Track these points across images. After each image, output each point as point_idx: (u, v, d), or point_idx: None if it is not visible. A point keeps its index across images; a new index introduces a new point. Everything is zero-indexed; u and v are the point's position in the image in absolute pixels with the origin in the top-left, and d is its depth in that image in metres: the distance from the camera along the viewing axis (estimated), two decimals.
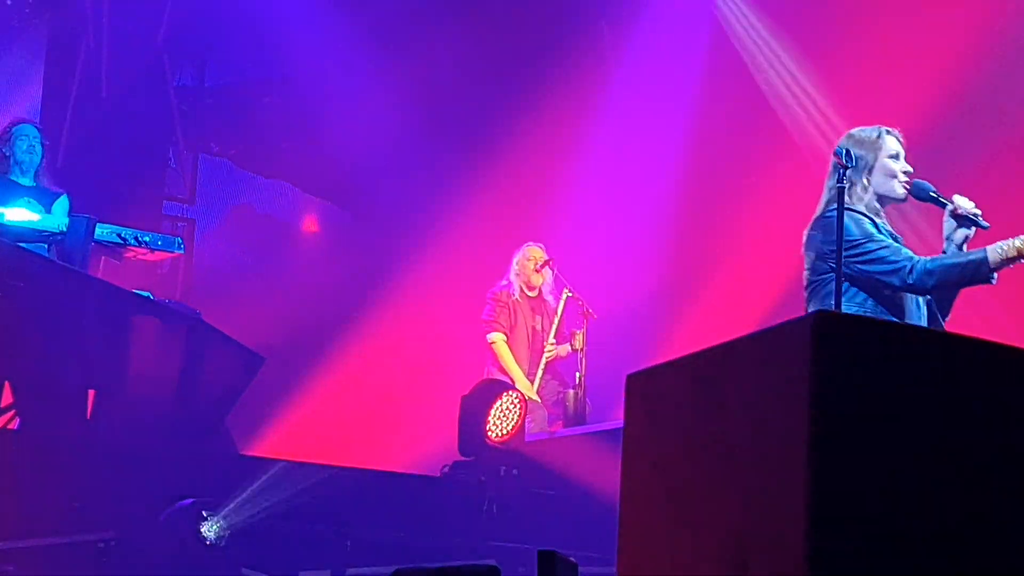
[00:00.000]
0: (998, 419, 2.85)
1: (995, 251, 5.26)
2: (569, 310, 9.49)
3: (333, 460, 9.28)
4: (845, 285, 5.42)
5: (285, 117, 11.14)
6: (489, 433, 8.76)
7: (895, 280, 5.36)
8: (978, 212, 5.54)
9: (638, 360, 5.02)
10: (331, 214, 11.79)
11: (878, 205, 5.62)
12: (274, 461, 8.97)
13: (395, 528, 8.26)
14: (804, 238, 5.61)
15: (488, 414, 8.79)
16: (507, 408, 8.82)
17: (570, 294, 9.44)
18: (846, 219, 5.36)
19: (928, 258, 5.42)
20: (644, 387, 3.27)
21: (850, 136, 5.74)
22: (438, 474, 9.28)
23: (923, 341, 2.82)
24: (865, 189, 5.60)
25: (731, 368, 2.97)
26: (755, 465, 2.84)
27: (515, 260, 9.57)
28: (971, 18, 9.39)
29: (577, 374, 9.28)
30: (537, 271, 9.50)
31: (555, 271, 9.57)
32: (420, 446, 10.07)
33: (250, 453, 9.24)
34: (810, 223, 5.60)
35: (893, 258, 5.40)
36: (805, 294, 5.56)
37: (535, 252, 9.54)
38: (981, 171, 9.21)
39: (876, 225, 5.53)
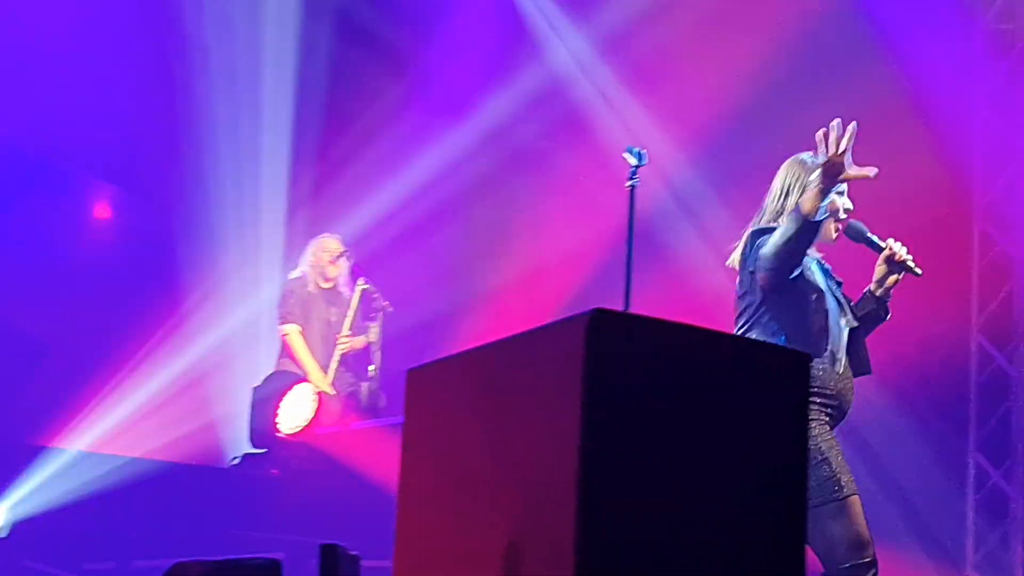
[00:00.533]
0: (770, 416, 2.93)
1: (804, 203, 5.23)
2: (364, 303, 9.45)
3: (122, 450, 9.14)
4: (763, 310, 5.46)
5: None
6: (280, 425, 8.72)
7: (759, 275, 5.35)
8: (911, 257, 5.60)
9: (435, 354, 5.05)
10: (121, 199, 11.56)
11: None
12: (60, 450, 8.81)
13: (182, 520, 8.18)
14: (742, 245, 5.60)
15: (279, 406, 8.74)
16: (299, 400, 8.78)
17: (365, 286, 9.40)
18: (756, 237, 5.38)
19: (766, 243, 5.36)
20: (424, 381, 3.28)
21: (793, 168, 5.69)
22: (227, 466, 9.20)
23: (696, 340, 2.87)
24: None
25: (509, 364, 3.00)
26: (530, 464, 2.87)
27: (309, 251, 9.51)
28: (773, 17, 9.60)
29: (371, 367, 9.27)
30: (332, 263, 9.45)
31: (351, 263, 9.53)
32: (211, 437, 9.97)
33: (36, 442, 9.06)
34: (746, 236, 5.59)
35: (755, 259, 5.40)
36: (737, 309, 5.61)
37: (330, 243, 9.48)
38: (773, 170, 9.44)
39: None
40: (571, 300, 9.68)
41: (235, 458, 9.17)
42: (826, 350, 5.48)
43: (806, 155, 5.66)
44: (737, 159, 9.59)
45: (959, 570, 9.38)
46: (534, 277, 10.41)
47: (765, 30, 9.64)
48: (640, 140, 9.30)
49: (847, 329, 5.61)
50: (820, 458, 5.45)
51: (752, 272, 5.45)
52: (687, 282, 9.38)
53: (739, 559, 2.81)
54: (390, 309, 9.40)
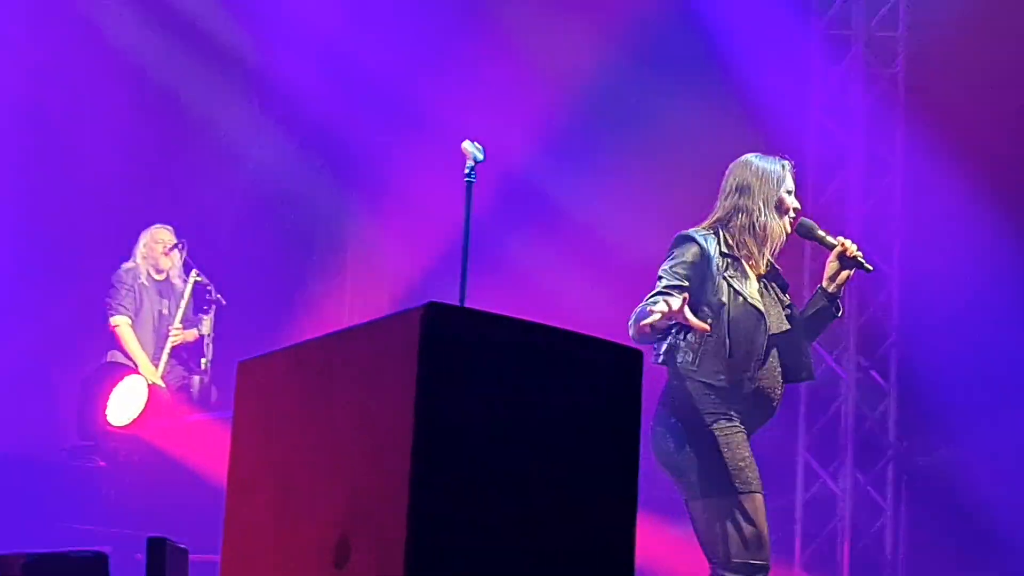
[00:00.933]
0: (601, 410, 2.95)
1: (652, 305, 5.34)
2: (197, 295, 9.33)
3: None
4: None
5: None
6: (109, 417, 8.58)
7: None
8: (861, 254, 5.67)
9: (269, 347, 4.99)
10: None
11: (776, 241, 5.69)
12: None
13: (6, 512, 8.01)
14: None
15: (108, 398, 8.61)
16: (129, 392, 8.65)
17: (199, 278, 9.29)
18: (685, 247, 5.53)
19: (638, 310, 5.45)
20: (255, 374, 3.25)
21: (750, 166, 5.77)
22: (55, 458, 9.03)
23: (529, 334, 2.87)
24: (773, 221, 5.65)
25: (342, 357, 2.97)
26: (361, 458, 2.85)
27: (141, 242, 9.36)
28: (613, 18, 9.67)
29: (203, 360, 9.15)
30: (165, 254, 9.31)
31: (184, 254, 9.40)
32: (37, 429, 9.77)
33: None
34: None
35: (651, 295, 5.49)
36: None
37: (163, 234, 9.35)
38: (603, 172, 9.52)
39: (708, 261, 5.59)
40: (409, 295, 9.66)
41: (62, 450, 9.00)
42: (730, 358, 5.55)
43: (752, 156, 5.79)
44: (578, 156, 9.66)
45: (788, 569, 9.54)
46: (373, 271, 10.38)
47: (604, 30, 9.71)
48: (479, 136, 9.34)
49: (766, 336, 5.66)
50: (721, 451, 5.52)
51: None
52: (527, 279, 9.40)
53: (569, 553, 2.82)
54: (223, 302, 9.30)
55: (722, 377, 5.57)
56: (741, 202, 5.68)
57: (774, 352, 5.69)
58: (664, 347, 5.63)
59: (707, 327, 5.41)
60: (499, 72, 9.94)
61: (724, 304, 5.59)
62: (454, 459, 2.74)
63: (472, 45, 10.05)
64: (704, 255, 5.60)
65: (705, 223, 5.75)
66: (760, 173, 5.70)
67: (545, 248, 9.49)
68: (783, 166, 5.76)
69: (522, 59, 9.82)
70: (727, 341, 5.55)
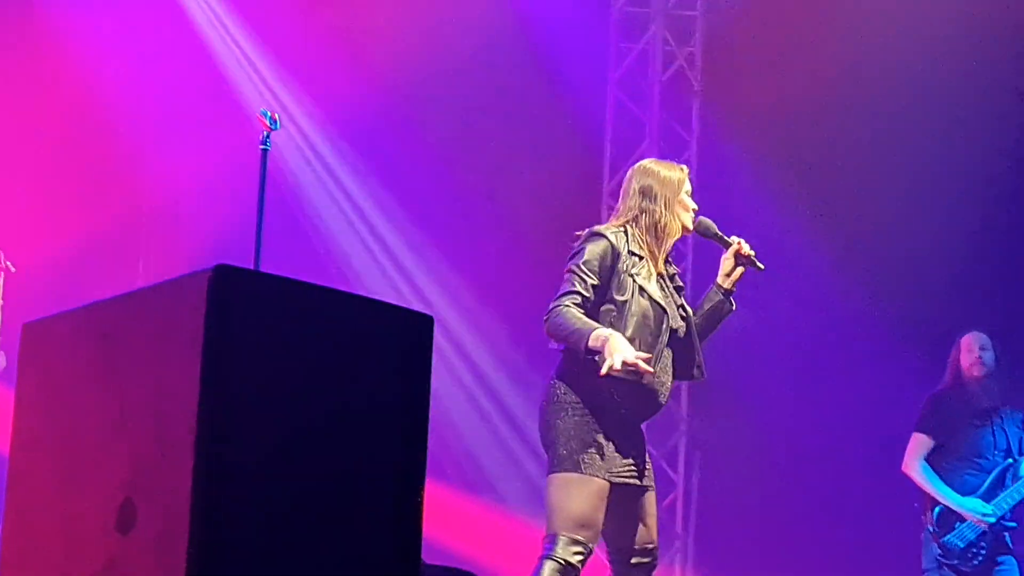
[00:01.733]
0: (391, 375, 2.95)
1: (594, 337, 5.53)
2: None
3: None
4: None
5: None
6: None
7: (550, 309, 5.67)
8: (754, 253, 5.89)
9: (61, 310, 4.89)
10: None
11: (674, 240, 5.91)
12: None
13: None
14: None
15: None
16: None
17: None
18: (595, 244, 5.71)
19: (562, 309, 5.63)
20: (40, 337, 3.17)
21: (649, 171, 5.96)
22: None
23: (320, 298, 2.86)
24: (673, 222, 5.87)
25: (128, 319, 2.92)
26: (146, 423, 2.80)
27: None
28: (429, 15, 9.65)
29: None
30: None
31: None
32: None
33: None
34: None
35: (565, 288, 5.70)
36: None
37: None
38: (431, 161, 9.51)
39: (617, 258, 5.75)
40: (206, 260, 9.51)
41: None
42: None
43: (651, 162, 6.10)
44: (379, 130, 9.62)
45: None
46: (169, 234, 10.21)
47: (408, 16, 9.67)
48: (277, 106, 9.25)
49: (667, 333, 5.84)
50: (576, 435, 5.71)
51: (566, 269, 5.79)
52: (325, 247, 9.35)
53: (358, 517, 2.82)
54: (12, 269, 9.08)
55: (628, 370, 5.68)
56: (645, 204, 5.89)
57: (668, 349, 5.88)
58: None
59: (652, 373, 5.69)
60: (304, 40, 9.86)
61: (628, 301, 5.76)
62: (241, 425, 2.71)
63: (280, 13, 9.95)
64: (614, 252, 5.78)
65: (614, 222, 5.94)
66: (662, 178, 5.93)
67: (340, 219, 9.44)
68: (682, 170, 6.04)
69: (326, 30, 9.75)
70: (630, 336, 5.69)
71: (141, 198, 10.53)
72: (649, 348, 5.76)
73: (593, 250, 5.77)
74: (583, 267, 5.74)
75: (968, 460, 7.90)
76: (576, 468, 5.71)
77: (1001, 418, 7.96)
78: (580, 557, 5.71)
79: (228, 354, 2.71)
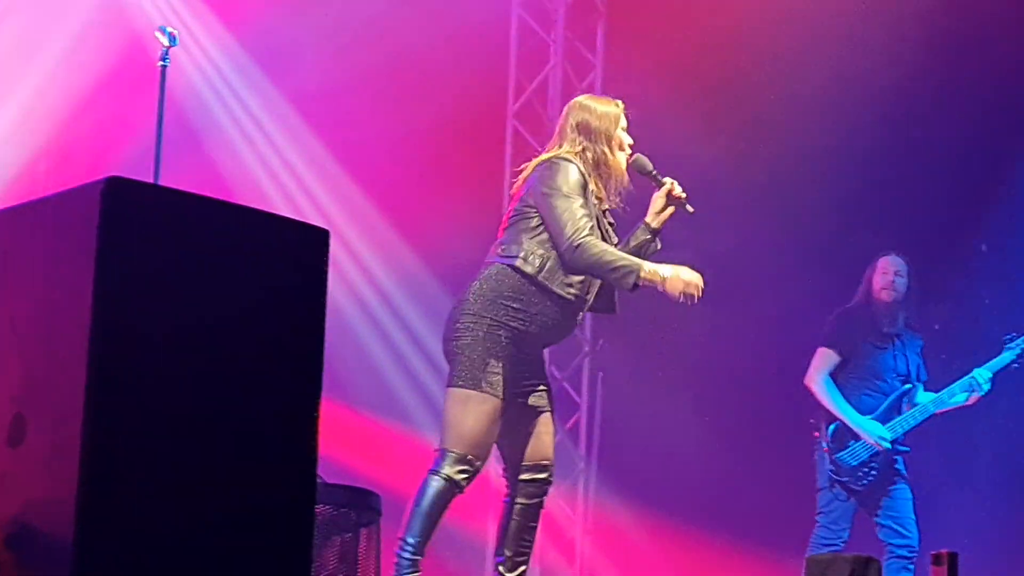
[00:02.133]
0: (287, 287, 2.94)
1: (647, 271, 5.70)
2: None
3: None
4: (537, 221, 5.80)
5: None
6: None
7: (565, 242, 5.71)
8: (685, 196, 5.96)
9: None
10: None
11: (614, 176, 5.93)
12: None
13: None
14: (530, 171, 5.93)
15: None
16: None
17: None
18: (571, 168, 5.78)
19: (594, 241, 5.71)
20: None
21: (589, 108, 6.01)
22: None
23: (214, 211, 2.84)
24: (611, 157, 5.92)
25: (18, 232, 2.88)
26: (39, 336, 2.78)
27: None
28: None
29: None
30: None
31: None
32: None
33: None
34: (539, 160, 5.93)
35: (575, 224, 5.72)
36: (504, 222, 5.94)
37: None
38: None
39: (586, 190, 5.82)
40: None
41: None
42: (563, 280, 5.83)
43: (587, 98, 6.15)
44: (281, 48, 9.53)
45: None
46: (67, 154, 10.05)
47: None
48: (178, 22, 9.12)
49: None
50: (483, 351, 5.80)
51: (545, 193, 5.79)
52: (225, 166, 9.26)
53: (250, 429, 2.82)
54: None
55: (572, 291, 5.85)
56: (584, 141, 5.95)
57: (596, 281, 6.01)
58: (523, 252, 5.85)
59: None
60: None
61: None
62: (133, 339, 2.69)
63: None
64: (585, 182, 5.87)
65: (565, 150, 5.96)
66: (599, 114, 6.00)
67: (239, 138, 9.35)
68: (617, 105, 6.07)
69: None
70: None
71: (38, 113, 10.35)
72: (576, 280, 5.89)
73: (576, 178, 5.85)
74: (576, 195, 5.81)
75: (867, 380, 7.99)
76: (475, 385, 5.78)
77: (903, 343, 8.06)
78: (465, 476, 5.80)
79: (121, 267, 2.69)
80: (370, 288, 9.49)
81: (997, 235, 9.26)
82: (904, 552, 7.83)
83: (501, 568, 6.05)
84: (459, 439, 5.79)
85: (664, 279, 5.75)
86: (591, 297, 5.97)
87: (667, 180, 6.05)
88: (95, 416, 2.60)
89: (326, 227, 3.05)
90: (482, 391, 5.78)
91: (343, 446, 8.61)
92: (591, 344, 10.08)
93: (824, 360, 8.03)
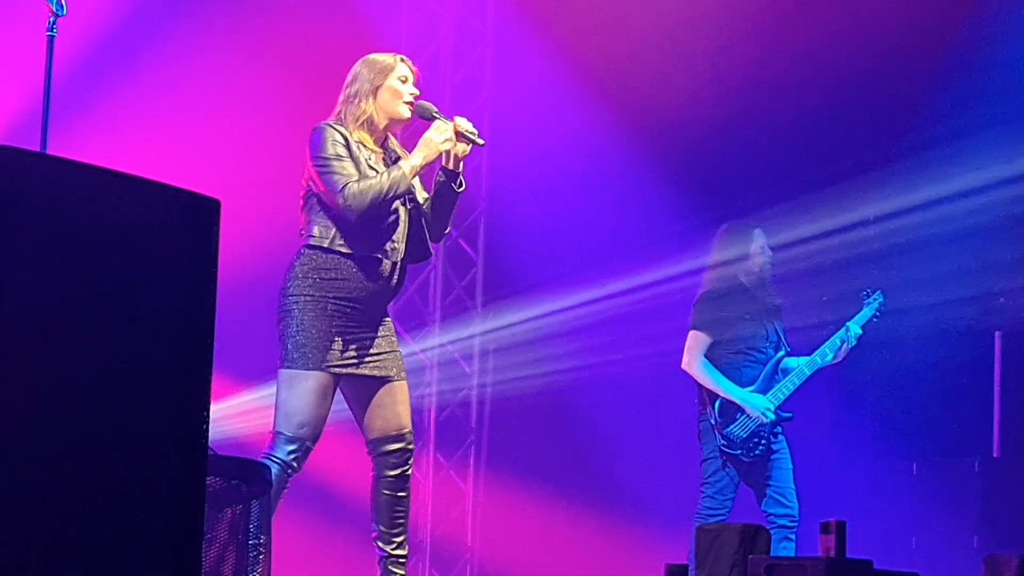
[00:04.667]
0: (175, 257, 2.91)
1: (410, 165, 5.93)
2: None
3: None
4: (316, 199, 5.93)
5: None
6: None
7: (337, 200, 5.83)
8: (476, 132, 6.08)
9: None
10: None
11: (381, 124, 6.06)
12: None
13: None
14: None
15: None
16: None
17: None
18: (326, 131, 5.92)
19: (354, 184, 5.82)
20: None
21: (365, 60, 6.12)
22: None
23: (98, 179, 2.79)
24: (370, 107, 6.00)
25: None
26: None
27: None
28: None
29: None
30: None
31: None
32: None
33: None
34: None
35: (337, 179, 5.84)
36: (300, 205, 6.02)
37: None
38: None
39: (349, 145, 5.93)
40: None
41: None
42: (364, 242, 5.96)
43: (376, 56, 6.18)
44: (173, 16, 9.42)
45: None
46: None
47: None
48: None
49: (403, 216, 6.09)
50: (300, 327, 5.89)
51: (310, 167, 5.94)
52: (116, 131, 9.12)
53: (138, 400, 2.79)
54: None
55: (376, 252, 5.96)
56: (344, 94, 6.09)
57: (403, 230, 6.10)
58: (315, 229, 5.96)
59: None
60: None
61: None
62: (17, 309, 2.65)
63: None
64: (344, 138, 5.96)
65: (332, 117, 6.08)
66: (369, 62, 6.13)
67: (134, 100, 9.23)
68: (395, 58, 6.17)
69: None
70: (367, 231, 5.94)
71: None
72: (385, 229, 6.00)
73: (332, 143, 5.94)
74: (330, 156, 5.91)
75: (744, 353, 8.11)
76: (298, 363, 5.91)
77: (770, 312, 8.20)
78: (295, 455, 5.91)
79: (5, 235, 2.64)
80: (257, 262, 9.41)
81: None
82: (785, 522, 7.93)
83: (379, 543, 6.10)
84: (286, 419, 5.91)
85: (424, 155, 5.97)
86: (400, 248, 6.02)
87: (454, 120, 6.10)
88: None
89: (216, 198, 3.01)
90: (305, 368, 5.88)
91: (236, 420, 8.57)
92: (481, 315, 10.10)
93: (697, 342, 8.13)
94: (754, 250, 8.20)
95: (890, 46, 9.06)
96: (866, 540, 7.40)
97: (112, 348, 2.77)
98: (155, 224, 2.83)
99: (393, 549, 6.08)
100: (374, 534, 6.12)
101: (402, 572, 6.10)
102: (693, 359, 8.09)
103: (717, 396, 8.01)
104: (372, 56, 6.17)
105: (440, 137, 6.00)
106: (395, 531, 6.09)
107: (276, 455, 5.89)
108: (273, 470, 5.79)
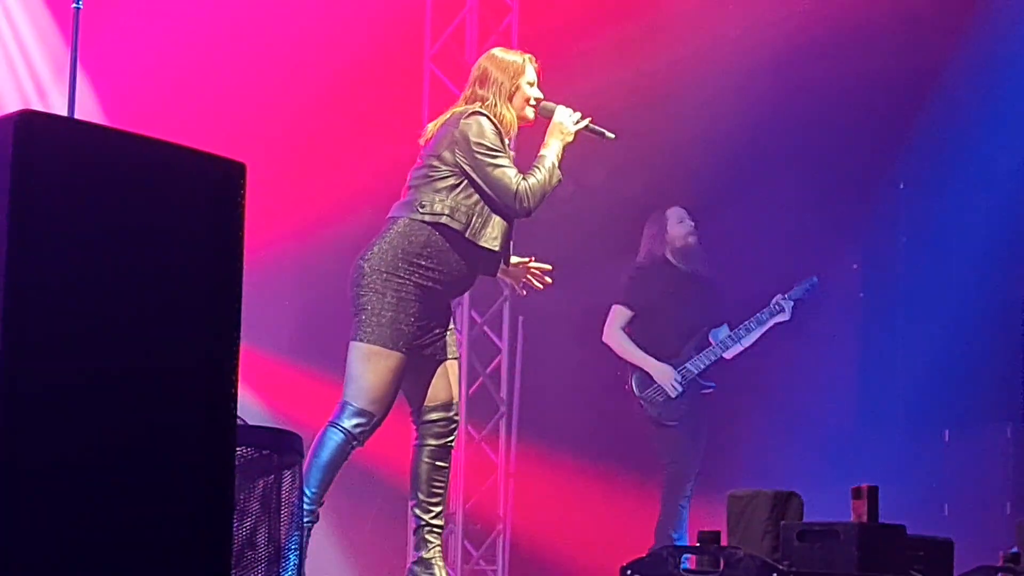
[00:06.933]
0: (204, 222, 2.91)
1: (553, 154, 6.11)
2: None
3: None
4: (457, 178, 6.01)
5: None
6: None
7: (509, 201, 5.98)
8: (603, 129, 6.27)
9: None
10: None
11: (513, 127, 6.18)
12: None
13: None
14: (438, 127, 6.14)
15: None
16: None
17: None
18: (486, 122, 6.00)
19: (524, 179, 6.02)
20: None
21: (493, 59, 6.22)
22: None
23: (131, 145, 2.79)
24: (507, 109, 6.12)
25: None
26: None
27: None
28: None
29: None
30: None
31: None
32: None
33: None
34: (450, 116, 6.13)
35: (508, 173, 6.00)
36: (410, 176, 6.12)
37: None
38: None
39: (503, 143, 6.05)
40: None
41: None
42: (490, 234, 6.07)
43: (496, 49, 6.37)
44: None
45: None
46: None
47: None
48: None
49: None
50: (385, 305, 5.95)
51: (472, 151, 6.01)
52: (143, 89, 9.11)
53: (167, 366, 2.79)
54: None
55: (497, 242, 6.08)
56: (482, 92, 6.16)
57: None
58: (447, 208, 6.02)
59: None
60: None
61: None
62: (47, 272, 2.65)
63: None
64: (498, 130, 6.10)
65: (475, 106, 6.14)
66: (499, 63, 6.21)
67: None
68: (524, 58, 6.25)
69: None
70: (490, 218, 6.09)
71: None
72: (506, 228, 6.12)
73: (491, 128, 6.04)
74: (498, 148, 6.03)
75: (673, 325, 8.49)
76: (377, 341, 5.92)
77: (700, 285, 8.44)
78: (362, 429, 5.98)
79: (34, 201, 2.64)
80: (284, 232, 9.41)
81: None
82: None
83: (417, 511, 6.13)
84: (359, 393, 5.92)
85: (562, 142, 6.14)
86: (498, 245, 6.09)
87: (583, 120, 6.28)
88: (7, 353, 2.55)
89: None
90: (384, 347, 5.91)
91: (268, 390, 8.59)
92: (510, 287, 10.08)
93: (616, 317, 8.63)
94: (672, 225, 8.57)
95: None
96: (898, 507, 7.38)
97: (138, 314, 2.77)
98: (180, 188, 2.84)
99: (431, 518, 6.12)
100: (412, 502, 6.16)
101: (438, 541, 6.14)
102: (609, 331, 8.61)
103: (636, 368, 8.45)
104: (500, 55, 6.25)
105: (571, 120, 6.12)
106: (434, 500, 6.12)
107: (343, 424, 5.92)
108: (337, 439, 5.85)
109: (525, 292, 6.51)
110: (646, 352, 8.49)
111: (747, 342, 8.46)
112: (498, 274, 6.34)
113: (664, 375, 8.40)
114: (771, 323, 8.43)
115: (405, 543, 8.89)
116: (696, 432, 8.50)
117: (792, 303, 8.42)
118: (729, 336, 8.46)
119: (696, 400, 8.50)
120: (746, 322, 8.44)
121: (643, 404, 8.50)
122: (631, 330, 8.59)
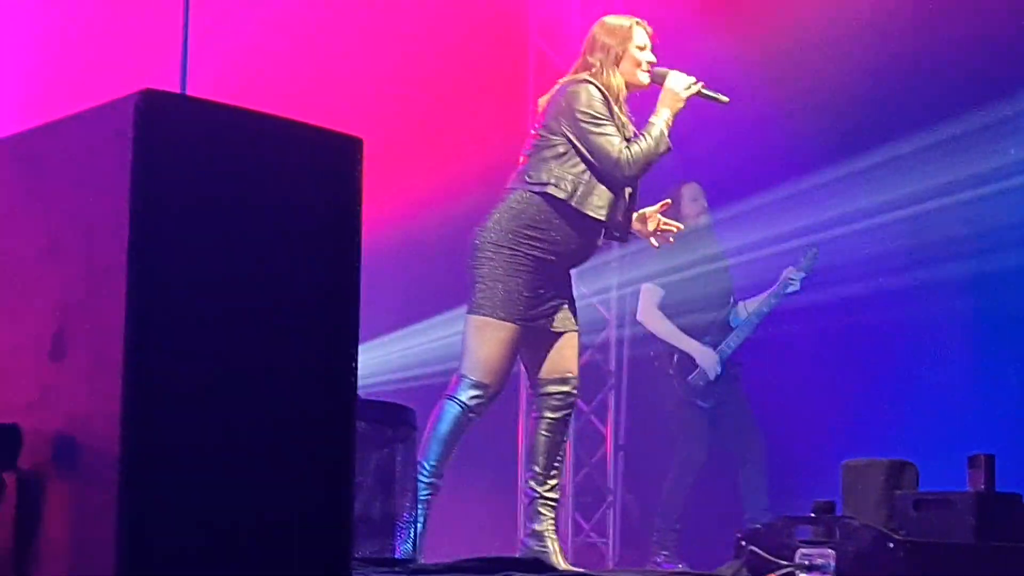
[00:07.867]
0: (323, 197, 2.93)
1: (663, 123, 6.03)
2: None
3: None
4: (564, 147, 5.98)
5: None
6: None
7: (611, 169, 5.95)
8: (717, 94, 6.22)
9: None
10: None
11: (623, 93, 6.12)
12: None
13: None
14: (551, 94, 6.13)
15: None
16: None
17: None
18: (592, 89, 5.99)
19: (628, 146, 5.98)
20: None
21: (603, 25, 6.18)
22: None
23: (249, 122, 2.82)
24: (613, 74, 6.06)
25: (54, 148, 2.87)
26: (77, 248, 2.77)
27: None
28: None
29: None
30: None
31: None
32: None
33: None
34: (558, 86, 6.13)
35: (611, 141, 5.94)
36: (527, 149, 6.11)
37: None
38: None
39: (611, 108, 6.01)
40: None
41: None
42: (596, 204, 6.03)
43: (611, 18, 6.27)
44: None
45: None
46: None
47: None
48: None
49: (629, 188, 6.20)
50: (497, 277, 5.97)
51: (577, 119, 5.97)
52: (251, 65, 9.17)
53: (290, 340, 2.82)
54: None
55: (603, 211, 6.04)
56: (592, 59, 6.14)
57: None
58: (553, 178, 6.01)
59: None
60: None
61: None
62: (172, 249, 2.69)
63: None
64: (607, 102, 6.06)
65: (583, 75, 6.13)
66: (609, 29, 6.17)
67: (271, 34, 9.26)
68: (632, 22, 6.19)
69: None
70: (596, 188, 6.04)
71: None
72: (616, 194, 6.09)
73: (605, 104, 6.02)
74: (603, 116, 5.99)
75: (699, 304, 8.47)
76: (492, 313, 5.92)
77: (717, 263, 8.45)
78: (479, 401, 6.00)
79: (157, 180, 2.68)
80: (390, 208, 9.45)
81: None
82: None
83: (532, 483, 6.13)
84: (475, 365, 5.93)
85: (672, 108, 6.06)
86: (620, 216, 6.08)
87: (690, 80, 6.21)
88: (136, 329, 2.60)
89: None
90: (499, 319, 5.92)
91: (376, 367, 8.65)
92: (619, 261, 10.07)
93: (650, 296, 8.61)
94: (685, 203, 8.53)
95: None
96: (1016, 476, 7.30)
97: (261, 291, 2.80)
98: (299, 163, 2.86)
99: (546, 491, 6.12)
100: (528, 475, 6.17)
101: (551, 515, 6.14)
102: (645, 311, 8.61)
103: (674, 348, 8.42)
104: (610, 21, 6.21)
105: (683, 85, 6.07)
106: (550, 473, 6.13)
107: (460, 397, 5.95)
108: (454, 411, 5.89)
109: (658, 244, 6.45)
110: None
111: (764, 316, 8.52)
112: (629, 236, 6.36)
113: (707, 358, 8.41)
114: (784, 294, 8.45)
115: (516, 514, 8.94)
116: (739, 414, 8.45)
117: (803, 275, 8.38)
118: (754, 314, 8.48)
119: (731, 382, 8.52)
120: (764, 297, 8.41)
121: (679, 386, 8.49)
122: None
